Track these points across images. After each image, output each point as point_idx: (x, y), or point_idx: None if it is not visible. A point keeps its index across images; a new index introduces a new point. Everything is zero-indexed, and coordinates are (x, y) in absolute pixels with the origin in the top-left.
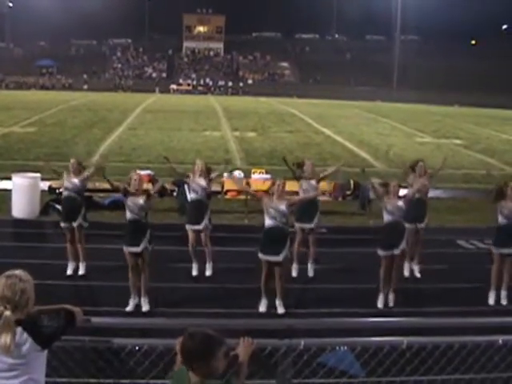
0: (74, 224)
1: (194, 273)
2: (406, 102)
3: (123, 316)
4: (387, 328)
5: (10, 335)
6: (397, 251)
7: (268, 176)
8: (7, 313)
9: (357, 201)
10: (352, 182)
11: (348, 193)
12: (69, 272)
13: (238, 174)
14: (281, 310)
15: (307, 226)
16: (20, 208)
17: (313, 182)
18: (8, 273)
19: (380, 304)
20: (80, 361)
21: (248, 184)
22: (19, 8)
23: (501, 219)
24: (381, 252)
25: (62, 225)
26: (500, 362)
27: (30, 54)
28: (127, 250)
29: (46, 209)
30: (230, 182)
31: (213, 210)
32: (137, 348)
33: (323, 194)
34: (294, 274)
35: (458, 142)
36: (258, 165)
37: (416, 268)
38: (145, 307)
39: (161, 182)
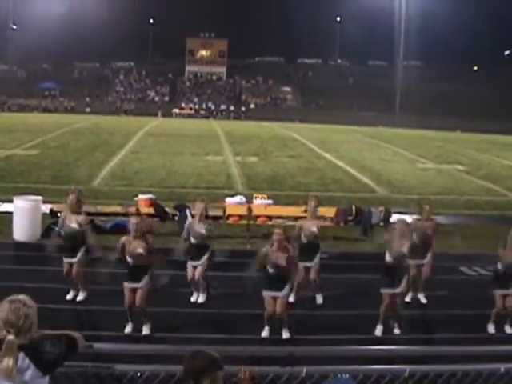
0: (74, 260)
1: (193, 299)
2: (408, 128)
3: (125, 341)
4: (389, 356)
5: (13, 360)
6: (398, 290)
7: (270, 201)
8: (10, 337)
9: (359, 226)
10: (354, 207)
11: (350, 218)
12: (68, 297)
13: (239, 199)
14: (286, 334)
15: (308, 264)
16: (21, 231)
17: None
18: (12, 297)
19: (379, 332)
20: None
21: (250, 209)
22: (22, 30)
23: None
24: (383, 290)
25: (65, 260)
26: None
27: (33, 77)
28: (127, 285)
29: (47, 232)
30: (231, 206)
31: (214, 236)
32: (139, 374)
33: (325, 219)
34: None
35: (460, 167)
36: (260, 190)
37: (421, 296)
38: (145, 331)
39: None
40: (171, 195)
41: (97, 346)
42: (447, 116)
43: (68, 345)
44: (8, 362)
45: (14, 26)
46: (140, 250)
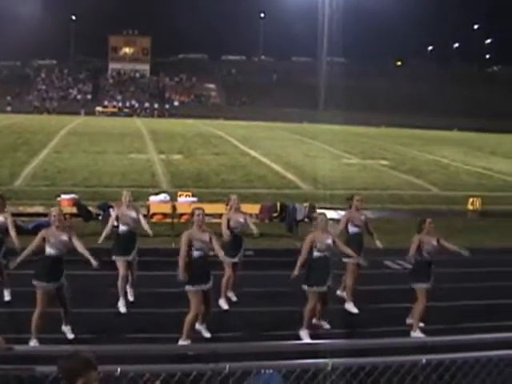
0: None
1: (123, 310)
2: (333, 124)
3: (47, 343)
4: (314, 350)
5: None
6: (323, 288)
7: (194, 199)
8: None
9: (284, 223)
10: (279, 204)
11: (275, 215)
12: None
13: (163, 197)
14: (207, 334)
15: (234, 260)
16: None
17: (241, 217)
18: None
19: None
20: None
21: (174, 207)
22: None
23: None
24: (308, 288)
25: None
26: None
27: None
28: (40, 285)
29: None
30: (156, 205)
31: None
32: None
33: (250, 215)
34: (225, 307)
35: (384, 162)
36: (185, 187)
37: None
38: (69, 335)
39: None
40: (95, 195)
41: (17, 347)
42: (372, 112)
43: None
44: None
45: None
46: (65, 238)
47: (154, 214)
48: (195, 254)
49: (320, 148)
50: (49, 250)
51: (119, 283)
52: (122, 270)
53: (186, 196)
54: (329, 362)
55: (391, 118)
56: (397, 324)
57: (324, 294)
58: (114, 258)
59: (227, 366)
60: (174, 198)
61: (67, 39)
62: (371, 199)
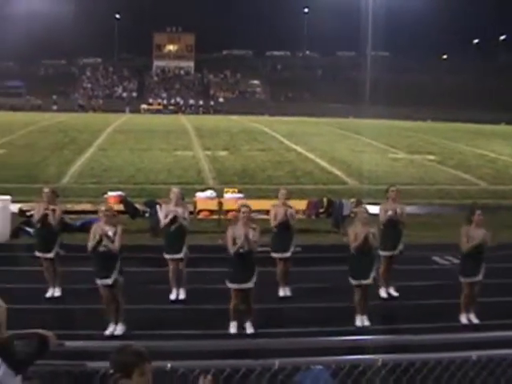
0: (50, 254)
1: (173, 297)
2: (379, 118)
3: (98, 339)
4: (363, 346)
5: None
6: (367, 281)
7: (240, 195)
8: None
9: (330, 218)
10: (325, 199)
11: (321, 210)
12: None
13: (210, 193)
14: (250, 329)
15: (284, 255)
16: None
17: (288, 210)
18: None
19: (359, 322)
20: None
21: (220, 204)
22: None
23: None
24: (352, 281)
25: (38, 254)
26: (475, 377)
27: None
28: (99, 282)
29: (16, 232)
30: (202, 201)
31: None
32: (111, 371)
33: (297, 211)
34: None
35: (431, 157)
36: (230, 184)
37: (392, 289)
38: (118, 331)
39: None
40: (141, 192)
41: (68, 343)
42: (418, 106)
43: (39, 343)
44: None
45: None
46: (110, 233)
47: (201, 211)
48: (234, 250)
49: (365, 143)
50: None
51: (170, 278)
52: (170, 267)
53: (232, 192)
54: (379, 358)
55: (437, 111)
56: (446, 320)
57: (366, 287)
58: (164, 255)
59: (276, 362)
60: (220, 194)
61: (112, 37)
62: (418, 194)
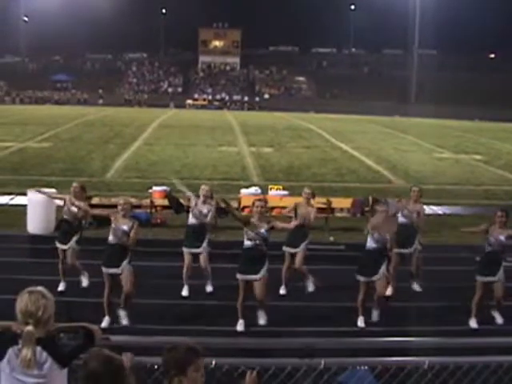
0: (66, 246)
1: (185, 293)
2: (425, 117)
3: (142, 334)
4: (407, 348)
5: (32, 350)
6: (375, 277)
7: (285, 192)
8: (29, 328)
9: None
10: (371, 198)
11: (367, 209)
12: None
13: (255, 190)
14: (262, 320)
15: (293, 250)
16: (35, 224)
17: (310, 210)
18: (31, 288)
19: (361, 323)
20: None
21: (265, 200)
22: (34, 22)
23: None
24: (360, 278)
25: (58, 245)
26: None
27: (45, 69)
28: (106, 271)
29: (61, 225)
30: (247, 198)
31: (227, 227)
32: (156, 366)
33: (341, 210)
34: (282, 291)
35: (477, 157)
36: (275, 181)
37: (416, 285)
38: (124, 321)
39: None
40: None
41: (113, 338)
42: (464, 105)
43: (85, 337)
44: (27, 352)
45: (26, 18)
46: (124, 228)
47: (246, 207)
48: (246, 243)
49: (411, 142)
50: (109, 236)
51: (184, 272)
52: (185, 261)
53: (277, 189)
54: (425, 360)
55: (484, 111)
56: (494, 322)
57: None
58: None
59: (322, 361)
60: (264, 191)
61: (157, 32)
62: (464, 195)
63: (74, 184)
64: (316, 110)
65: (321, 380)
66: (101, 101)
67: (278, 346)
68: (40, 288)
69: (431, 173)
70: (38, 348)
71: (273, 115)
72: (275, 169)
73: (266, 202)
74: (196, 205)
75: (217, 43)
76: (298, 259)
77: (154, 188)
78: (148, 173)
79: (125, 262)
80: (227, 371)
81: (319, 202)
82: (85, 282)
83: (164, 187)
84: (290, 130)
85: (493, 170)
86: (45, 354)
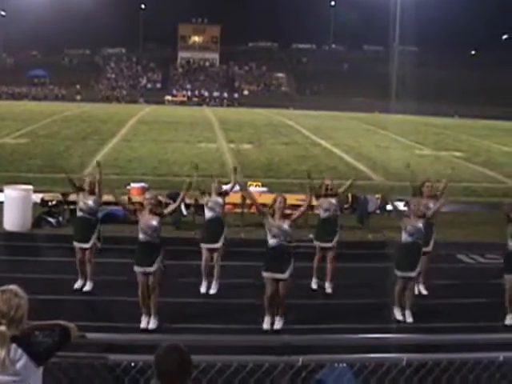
0: (87, 245)
1: (203, 290)
2: (405, 114)
3: (120, 331)
4: (387, 345)
5: (5, 351)
6: (413, 273)
7: (264, 189)
8: (2, 328)
9: (355, 214)
10: (350, 195)
11: (346, 206)
12: (76, 286)
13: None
14: (278, 325)
15: (327, 245)
16: (12, 221)
17: (333, 200)
18: (3, 288)
19: (399, 316)
20: (75, 378)
21: (244, 197)
22: (12, 17)
23: None
24: (397, 272)
25: (76, 244)
26: (501, 379)
27: (22, 64)
28: (139, 270)
29: (38, 222)
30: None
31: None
32: (132, 364)
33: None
34: (314, 286)
35: (457, 154)
36: (254, 177)
37: (422, 287)
38: (152, 325)
39: (176, 205)
40: (164, 183)
41: (90, 335)
42: (445, 102)
43: (61, 335)
44: (0, 353)
45: (3, 13)
46: (154, 223)
47: (225, 204)
48: (270, 241)
49: (392, 139)
50: (139, 235)
51: (203, 267)
52: (204, 257)
53: (256, 186)
54: (403, 356)
55: (465, 108)
56: (471, 319)
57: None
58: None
59: (300, 358)
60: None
61: (136, 28)
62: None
63: (86, 178)
64: (295, 107)
65: (298, 378)
66: (78, 97)
67: (257, 343)
68: (12, 287)
69: (412, 170)
70: (13, 346)
71: (252, 112)
72: (254, 165)
73: (285, 199)
74: (209, 199)
75: (196, 39)
76: None
77: (132, 185)
78: (126, 169)
79: (158, 261)
80: (204, 369)
81: (298, 199)
82: (89, 285)
83: (142, 184)
84: (270, 127)
85: (473, 167)
86: (20, 352)
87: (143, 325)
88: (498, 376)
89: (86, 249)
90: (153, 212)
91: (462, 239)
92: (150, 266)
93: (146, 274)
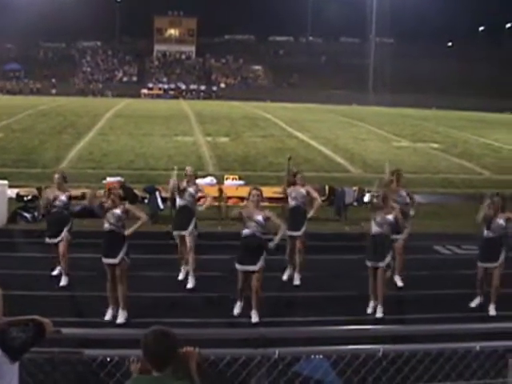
0: (58, 238)
1: (181, 277)
2: (383, 106)
3: (95, 326)
4: (363, 336)
5: None
6: (382, 264)
7: (241, 182)
8: None
9: (332, 206)
10: (327, 187)
11: (323, 198)
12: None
13: (210, 180)
14: (255, 318)
15: (295, 233)
16: None
17: (302, 190)
18: None
19: (370, 310)
20: (50, 373)
21: (221, 190)
22: None
23: None
24: (368, 263)
25: (48, 240)
26: (478, 368)
27: None
28: (105, 261)
29: (13, 217)
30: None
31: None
32: (108, 359)
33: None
34: (285, 277)
35: (435, 145)
36: (231, 170)
37: (398, 278)
38: (120, 319)
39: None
40: (140, 177)
41: (65, 331)
42: (422, 93)
43: (35, 330)
44: None
45: None
46: (118, 212)
47: (201, 198)
48: (244, 232)
49: (369, 131)
50: (105, 225)
51: (178, 255)
52: (178, 244)
53: (233, 179)
54: (380, 348)
55: (441, 99)
56: (447, 310)
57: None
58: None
59: (277, 351)
60: (220, 181)
61: (112, 20)
62: (421, 183)
63: (56, 175)
64: (273, 99)
65: (275, 370)
66: (54, 90)
67: (233, 336)
68: None
69: (389, 161)
70: None
71: (229, 104)
72: (231, 158)
73: (261, 192)
74: (183, 188)
75: (172, 31)
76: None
77: (108, 179)
78: (102, 163)
79: (122, 253)
80: None
81: (276, 191)
82: (64, 280)
83: (118, 178)
84: (247, 120)
85: (450, 159)
86: None
87: (107, 317)
88: (474, 366)
89: (57, 243)
90: (116, 202)
91: (439, 230)
92: (114, 257)
93: (112, 265)
